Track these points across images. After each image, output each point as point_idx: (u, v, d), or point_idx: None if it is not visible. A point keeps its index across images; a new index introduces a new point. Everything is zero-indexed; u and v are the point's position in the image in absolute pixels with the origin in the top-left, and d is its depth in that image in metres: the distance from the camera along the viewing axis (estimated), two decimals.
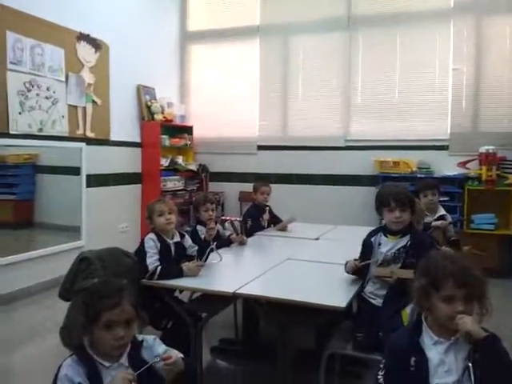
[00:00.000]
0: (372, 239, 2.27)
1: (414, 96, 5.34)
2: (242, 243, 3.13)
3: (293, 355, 2.36)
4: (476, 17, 5.12)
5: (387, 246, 2.20)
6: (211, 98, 6.24)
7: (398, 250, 2.16)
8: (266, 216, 3.85)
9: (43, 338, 3.17)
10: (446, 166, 5.12)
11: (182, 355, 1.50)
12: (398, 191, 2.24)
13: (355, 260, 2.31)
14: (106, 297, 1.42)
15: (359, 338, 2.08)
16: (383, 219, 2.28)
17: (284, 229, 3.74)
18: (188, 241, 2.58)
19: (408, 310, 1.88)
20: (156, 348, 1.50)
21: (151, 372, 1.42)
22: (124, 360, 1.43)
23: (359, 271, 2.29)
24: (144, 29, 5.52)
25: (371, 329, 2.06)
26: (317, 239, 3.44)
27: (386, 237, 2.22)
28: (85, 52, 4.67)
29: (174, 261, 2.43)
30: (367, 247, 2.29)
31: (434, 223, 3.25)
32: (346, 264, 2.34)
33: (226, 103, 6.15)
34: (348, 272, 2.33)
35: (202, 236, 2.77)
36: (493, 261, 4.63)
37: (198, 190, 5.89)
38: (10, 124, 3.88)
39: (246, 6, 6.04)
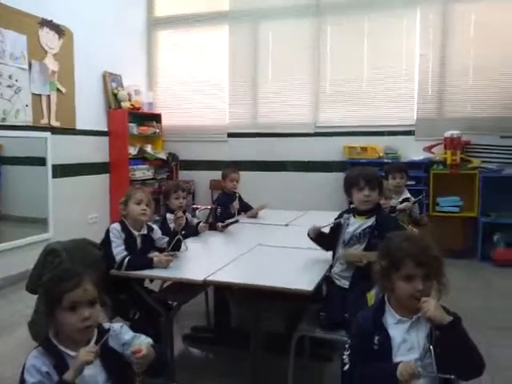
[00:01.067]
0: (341, 220, 2.34)
1: (382, 82, 5.41)
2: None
3: (264, 340, 2.39)
4: (442, 3, 5.20)
5: (354, 225, 2.28)
6: (180, 85, 6.18)
7: (364, 230, 2.25)
8: (236, 204, 3.85)
9: (12, 332, 3.12)
10: (413, 151, 5.23)
11: (150, 340, 1.50)
12: (367, 171, 2.33)
13: (315, 226, 2.41)
14: (66, 279, 1.41)
15: (321, 317, 2.14)
16: (351, 201, 2.35)
17: (255, 216, 3.77)
18: (157, 233, 2.56)
19: (373, 292, 1.94)
20: (123, 335, 1.50)
21: (120, 359, 1.42)
22: None
23: (320, 239, 2.40)
24: (109, 14, 5.39)
25: (335, 309, 2.12)
26: (286, 225, 3.47)
27: (355, 217, 2.30)
28: (48, 39, 4.53)
29: (139, 253, 2.40)
30: (336, 226, 2.36)
31: (399, 206, 3.37)
32: (308, 231, 2.43)
33: (195, 90, 6.10)
34: (309, 236, 2.43)
35: (172, 225, 2.75)
36: (457, 242, 4.79)
37: (167, 179, 5.84)
38: None
39: None
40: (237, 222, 3.24)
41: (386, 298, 1.53)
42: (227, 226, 3.17)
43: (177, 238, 2.47)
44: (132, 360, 1.42)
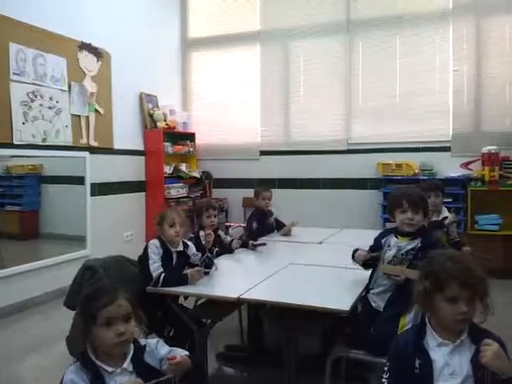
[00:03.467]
0: (382, 240, 2.26)
1: (415, 98, 5.34)
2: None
3: (298, 360, 2.36)
4: (475, 17, 5.13)
5: (396, 247, 2.19)
6: (213, 105, 6.28)
7: (407, 251, 2.14)
8: (272, 219, 3.85)
9: (50, 347, 3.18)
10: (449, 168, 5.11)
11: (186, 352, 1.50)
12: (411, 192, 2.22)
13: (363, 251, 2.31)
14: (101, 296, 1.44)
15: (346, 333, 2.08)
16: (395, 222, 2.24)
17: (288, 233, 3.75)
18: (192, 249, 2.58)
19: (407, 317, 1.88)
20: (159, 351, 1.51)
21: (157, 375, 1.43)
22: (127, 365, 1.44)
23: (368, 264, 2.29)
24: (145, 37, 5.56)
25: (363, 327, 2.07)
26: (320, 243, 3.44)
27: (397, 238, 2.21)
28: (87, 61, 4.71)
29: (174, 269, 2.43)
30: (377, 246, 2.28)
31: (446, 221, 3.29)
32: (354, 252, 2.35)
33: (228, 109, 6.19)
34: (354, 260, 2.33)
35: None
36: (498, 262, 4.61)
37: (201, 197, 5.90)
38: (13, 134, 3.92)
39: (245, 11, 6.08)
40: (264, 244, 3.22)
41: (426, 319, 1.48)
42: (256, 246, 3.16)
43: (206, 255, 2.48)
44: (167, 368, 1.43)
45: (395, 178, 5.14)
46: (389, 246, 2.21)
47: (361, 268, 2.33)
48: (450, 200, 4.63)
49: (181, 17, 6.34)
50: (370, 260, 2.27)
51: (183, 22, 6.37)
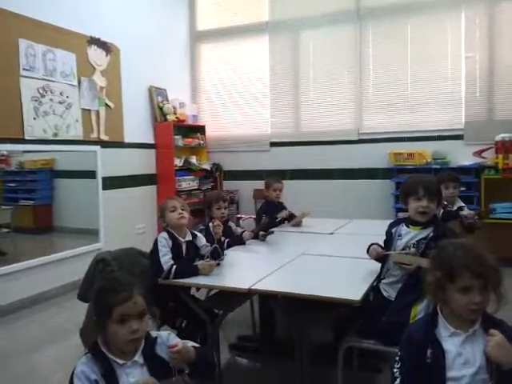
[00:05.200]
0: (393, 230, 2.24)
1: (427, 86, 5.27)
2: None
3: (310, 350, 2.36)
4: (487, 4, 5.03)
5: (407, 236, 2.16)
6: (222, 97, 6.27)
7: (418, 241, 2.12)
8: (284, 213, 3.84)
9: (64, 339, 3.23)
10: (462, 156, 5.05)
11: (195, 344, 1.50)
12: (427, 180, 2.19)
13: (378, 246, 2.29)
14: (117, 291, 1.43)
15: (359, 323, 2.08)
16: (407, 209, 2.21)
17: (299, 224, 3.74)
18: (201, 240, 2.58)
19: (420, 306, 1.86)
20: (170, 343, 1.50)
21: (168, 367, 1.43)
22: (138, 357, 1.44)
23: (380, 259, 2.27)
24: (154, 30, 5.55)
25: (375, 316, 2.06)
26: (331, 234, 3.43)
27: (408, 227, 2.18)
28: (96, 56, 4.72)
29: (185, 260, 2.43)
30: (388, 237, 2.27)
31: (462, 212, 3.26)
32: (369, 247, 2.33)
33: (238, 101, 6.17)
34: (370, 256, 2.31)
35: None
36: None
37: (212, 189, 5.92)
38: (25, 130, 3.95)
39: (254, 2, 6.03)
40: (272, 233, 3.22)
41: (438, 309, 1.46)
42: (265, 236, 3.17)
43: (213, 246, 2.48)
44: (169, 358, 1.43)
45: (407, 167, 5.10)
46: (400, 235, 2.19)
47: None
48: (464, 189, 4.57)
49: (189, 9, 6.32)
50: (383, 258, 2.25)
51: (191, 15, 6.34)
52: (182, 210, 2.49)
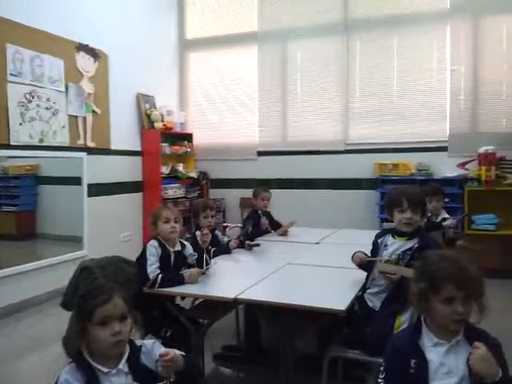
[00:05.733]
0: (379, 240, 2.27)
1: (412, 98, 5.36)
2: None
3: (295, 360, 2.36)
4: (472, 18, 5.15)
5: (393, 246, 2.19)
6: (210, 105, 6.29)
7: (404, 251, 2.14)
8: (265, 221, 3.84)
9: (46, 347, 3.18)
10: (446, 168, 5.13)
11: (182, 353, 1.50)
12: (411, 192, 2.22)
13: (363, 253, 2.31)
14: (97, 295, 1.44)
15: (344, 333, 2.08)
16: (392, 221, 2.25)
17: (285, 233, 3.75)
18: (189, 250, 2.57)
19: (404, 316, 1.88)
20: (155, 352, 1.50)
21: (153, 376, 1.43)
22: (123, 365, 1.43)
23: (364, 266, 2.29)
24: (142, 38, 5.56)
25: (359, 327, 2.07)
26: (317, 243, 3.44)
27: (394, 238, 2.21)
28: (84, 62, 4.70)
29: (172, 269, 2.42)
30: (374, 247, 2.29)
31: (444, 223, 3.33)
32: (353, 254, 2.34)
33: (226, 110, 6.20)
34: (354, 262, 2.33)
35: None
36: (494, 261, 4.62)
37: (199, 197, 5.90)
38: (10, 135, 3.91)
39: (243, 12, 6.08)
40: (258, 245, 3.21)
41: (422, 319, 1.48)
42: (252, 247, 3.16)
43: (202, 255, 2.48)
44: (160, 366, 1.43)
45: (392, 178, 5.15)
46: (385, 245, 2.22)
47: (358, 268, 2.34)
48: (447, 200, 4.63)
49: (178, 17, 6.34)
50: (367, 265, 2.27)
51: (180, 23, 6.36)
52: (176, 222, 2.48)
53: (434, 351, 1.42)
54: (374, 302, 2.20)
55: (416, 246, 2.13)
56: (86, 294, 1.50)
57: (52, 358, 2.89)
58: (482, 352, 1.32)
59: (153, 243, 2.44)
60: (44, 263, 4.25)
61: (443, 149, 5.22)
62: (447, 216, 3.52)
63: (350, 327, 2.13)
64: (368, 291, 2.25)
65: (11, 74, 3.92)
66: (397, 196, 2.21)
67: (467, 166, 5.04)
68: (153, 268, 2.33)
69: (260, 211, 3.88)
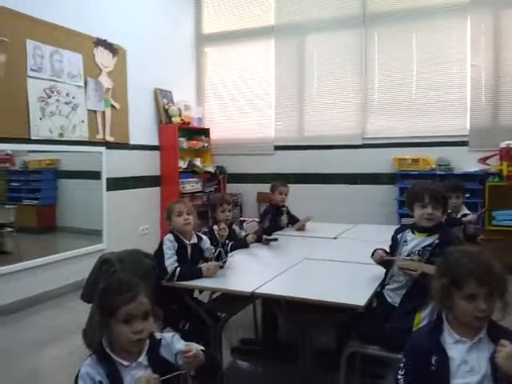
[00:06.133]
0: (399, 235, 2.25)
1: (432, 92, 5.27)
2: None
3: (313, 355, 2.35)
4: (493, 10, 5.04)
5: (413, 242, 2.17)
6: (227, 100, 6.28)
7: (424, 247, 2.12)
8: (285, 218, 3.84)
9: (66, 339, 3.23)
10: (466, 163, 5.04)
11: (202, 347, 1.50)
12: (433, 187, 2.20)
13: (383, 251, 2.29)
14: (122, 291, 1.43)
15: (362, 329, 2.07)
16: (413, 215, 2.22)
17: (302, 228, 3.74)
18: (206, 243, 2.58)
19: (423, 313, 1.86)
20: (174, 345, 1.50)
21: (173, 369, 1.43)
22: (143, 359, 1.44)
23: (383, 263, 2.27)
24: (160, 33, 5.57)
25: (378, 323, 2.06)
26: (335, 238, 3.42)
27: (414, 233, 2.19)
28: (102, 57, 4.74)
29: (189, 262, 2.44)
30: (394, 243, 2.27)
31: (464, 219, 3.29)
32: (373, 252, 2.32)
33: (243, 104, 6.18)
34: (374, 260, 2.31)
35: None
36: None
37: (215, 192, 5.91)
38: (31, 130, 3.96)
39: (260, 6, 6.05)
40: (276, 240, 3.20)
41: (444, 316, 1.46)
42: (269, 241, 3.16)
43: (218, 250, 2.49)
44: (182, 362, 1.43)
45: (411, 173, 5.09)
46: (405, 241, 2.20)
47: (376, 264, 2.32)
48: (468, 195, 4.56)
49: (195, 12, 6.34)
50: (387, 262, 2.25)
51: (197, 18, 6.36)
52: (188, 214, 2.49)
53: (456, 348, 1.40)
54: (394, 297, 2.17)
55: (436, 242, 2.10)
56: (110, 289, 1.50)
57: (72, 351, 2.93)
58: (510, 350, 1.30)
59: (168, 237, 2.46)
60: (64, 256, 4.31)
61: (464, 143, 5.13)
62: (468, 212, 3.46)
63: (369, 323, 2.11)
64: (387, 287, 2.23)
65: (31, 70, 3.97)
66: (419, 191, 2.19)
67: (488, 161, 4.95)
68: (170, 261, 2.35)
69: (282, 206, 3.87)
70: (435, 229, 2.14)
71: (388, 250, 2.30)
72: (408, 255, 2.14)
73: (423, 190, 2.17)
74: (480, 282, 1.35)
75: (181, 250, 2.44)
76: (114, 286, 1.50)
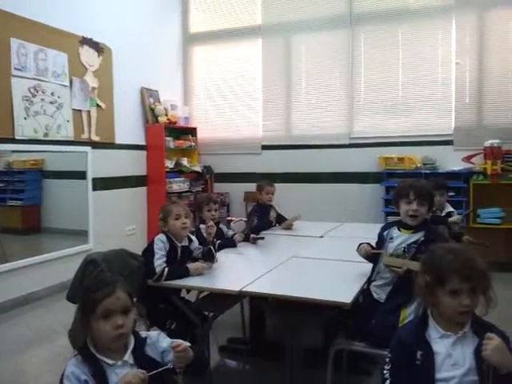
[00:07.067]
0: (385, 232, 2.26)
1: (418, 92, 5.33)
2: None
3: (300, 353, 2.36)
4: (478, 11, 5.10)
5: (399, 239, 2.19)
6: (214, 99, 6.27)
7: (409, 244, 2.14)
8: (272, 217, 3.85)
9: (52, 340, 3.20)
10: (451, 161, 5.11)
11: (187, 343, 1.50)
12: (419, 184, 2.23)
13: (369, 245, 2.31)
14: (99, 288, 1.44)
15: (348, 325, 2.09)
16: (398, 214, 2.24)
17: (289, 227, 3.75)
18: (195, 244, 2.59)
19: (409, 309, 1.88)
20: (160, 344, 1.50)
21: (159, 368, 1.42)
22: (128, 357, 1.43)
23: (370, 258, 2.29)
24: (146, 32, 5.54)
25: (365, 318, 2.07)
26: (321, 237, 3.44)
27: (400, 230, 2.21)
28: (88, 56, 4.70)
29: (178, 264, 2.43)
30: (380, 240, 2.29)
31: (450, 219, 3.33)
32: (359, 245, 2.34)
33: (230, 104, 6.18)
34: (359, 253, 2.32)
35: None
36: (499, 255, 4.61)
37: (202, 192, 5.90)
38: (15, 129, 3.92)
39: (247, 6, 6.05)
40: (263, 238, 3.21)
41: (429, 311, 1.48)
42: (256, 240, 3.17)
43: (207, 248, 2.49)
44: (173, 357, 1.43)
45: (397, 171, 5.14)
46: (391, 238, 2.22)
47: (362, 261, 2.34)
48: (453, 194, 4.62)
49: (182, 11, 6.32)
50: (373, 256, 2.27)
51: (184, 17, 6.34)
52: (186, 218, 2.49)
53: (441, 343, 1.42)
54: (380, 294, 2.19)
55: (422, 239, 2.13)
56: (89, 287, 1.50)
57: (58, 351, 2.92)
58: (497, 343, 1.31)
59: (161, 237, 2.45)
60: (49, 257, 4.26)
61: (449, 142, 5.19)
62: (452, 210, 3.51)
63: (355, 319, 2.12)
64: (373, 283, 2.25)
65: (15, 68, 3.92)
66: (404, 187, 2.21)
67: (473, 160, 5.02)
68: (160, 262, 2.34)
69: (269, 206, 3.88)
70: (421, 226, 2.17)
71: (374, 246, 2.32)
72: (394, 252, 2.16)
73: (408, 186, 2.20)
74: (463, 278, 1.37)
75: (171, 252, 2.44)
76: (92, 284, 1.50)
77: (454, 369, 1.38)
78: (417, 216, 2.15)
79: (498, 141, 4.77)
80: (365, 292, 2.23)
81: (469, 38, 5.14)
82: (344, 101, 5.64)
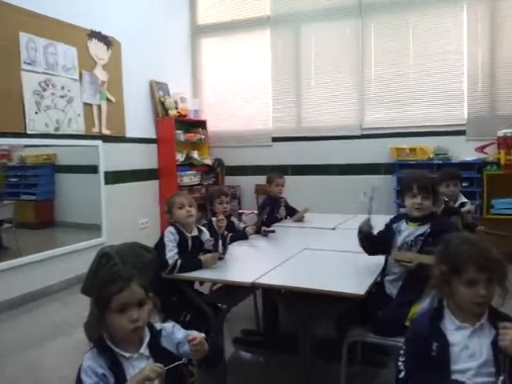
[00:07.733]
0: (394, 225, 2.25)
1: (429, 81, 5.26)
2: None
3: (314, 344, 2.36)
4: None
5: (405, 232, 2.18)
6: (224, 92, 6.24)
7: (416, 237, 2.14)
8: (283, 210, 3.85)
9: (68, 334, 3.23)
10: (464, 152, 5.04)
11: (204, 335, 1.51)
12: (422, 177, 2.21)
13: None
14: (114, 282, 1.44)
15: (358, 314, 2.10)
16: (404, 205, 2.24)
17: (301, 219, 3.74)
18: (206, 235, 2.59)
19: (419, 305, 1.86)
20: (175, 335, 1.51)
21: (174, 359, 1.43)
22: (144, 350, 1.44)
23: (366, 241, 2.28)
24: (155, 25, 5.53)
25: (375, 310, 2.07)
26: (333, 229, 3.42)
27: (407, 223, 2.20)
28: (97, 49, 4.70)
29: (190, 255, 2.44)
30: (388, 230, 2.28)
31: (463, 209, 3.30)
32: (359, 229, 2.31)
33: (239, 96, 6.16)
34: (359, 232, 2.29)
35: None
36: None
37: (214, 185, 5.90)
38: (26, 124, 3.94)
39: None
40: (273, 231, 3.20)
41: (445, 302, 1.47)
42: (268, 232, 3.16)
43: (219, 241, 2.49)
44: (189, 350, 1.44)
45: (409, 162, 5.09)
46: (400, 231, 2.22)
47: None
48: (466, 184, 4.57)
49: (190, 3, 6.29)
50: (368, 235, 2.25)
51: (192, 9, 6.31)
52: (190, 206, 2.49)
53: (457, 334, 1.41)
54: (391, 289, 2.19)
55: (428, 231, 2.12)
56: (103, 281, 1.51)
57: (74, 345, 2.94)
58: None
59: (170, 229, 2.46)
60: (63, 251, 4.30)
61: (461, 132, 5.12)
62: (465, 200, 3.47)
63: (364, 308, 2.12)
64: (386, 278, 2.24)
65: (25, 63, 3.94)
66: (408, 181, 2.21)
67: (486, 150, 4.95)
68: (171, 254, 2.35)
69: (280, 198, 3.87)
70: (427, 218, 2.15)
71: (375, 233, 2.30)
72: (401, 245, 2.16)
73: (412, 179, 2.19)
74: (479, 268, 1.36)
75: (182, 243, 2.44)
76: (106, 278, 1.51)
77: (471, 360, 1.38)
78: (421, 209, 2.14)
79: (511, 130, 4.69)
80: (378, 285, 2.22)
81: (480, 26, 5.05)
82: (354, 91, 5.59)
